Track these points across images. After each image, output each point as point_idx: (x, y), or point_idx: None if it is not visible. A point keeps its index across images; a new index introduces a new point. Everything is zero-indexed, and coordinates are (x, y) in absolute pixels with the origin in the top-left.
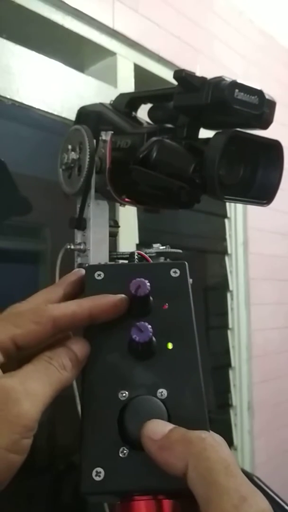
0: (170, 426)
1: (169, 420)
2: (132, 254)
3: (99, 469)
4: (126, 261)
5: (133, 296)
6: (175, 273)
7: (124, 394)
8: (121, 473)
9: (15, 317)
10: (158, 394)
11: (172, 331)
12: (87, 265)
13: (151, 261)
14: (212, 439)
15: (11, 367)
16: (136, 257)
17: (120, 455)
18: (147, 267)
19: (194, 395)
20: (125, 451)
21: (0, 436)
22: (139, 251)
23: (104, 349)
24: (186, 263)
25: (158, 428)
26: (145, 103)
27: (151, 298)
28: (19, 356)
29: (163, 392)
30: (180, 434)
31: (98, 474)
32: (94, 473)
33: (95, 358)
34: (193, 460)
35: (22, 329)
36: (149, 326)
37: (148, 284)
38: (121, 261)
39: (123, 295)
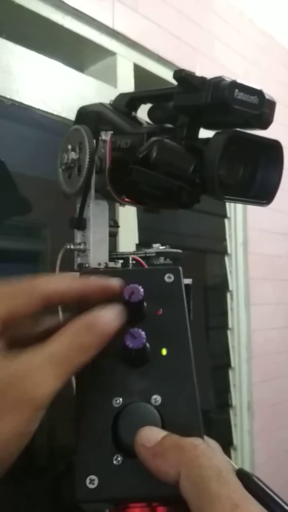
0: (163, 433)
1: (163, 426)
2: (126, 259)
3: (93, 476)
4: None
5: (126, 302)
6: (169, 278)
7: (118, 401)
8: (115, 481)
9: (12, 290)
10: (152, 401)
11: (166, 337)
12: (87, 265)
13: (146, 266)
14: (205, 446)
15: None
16: (131, 262)
17: (114, 462)
18: (141, 272)
19: (188, 402)
20: (119, 459)
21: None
22: (134, 256)
23: (98, 355)
24: (180, 268)
25: (151, 435)
26: (145, 103)
27: (145, 304)
28: (12, 330)
29: (157, 399)
30: (173, 441)
31: (92, 481)
32: (88, 480)
33: (88, 366)
34: (186, 468)
35: (17, 302)
36: (143, 333)
37: (142, 290)
38: (120, 261)
39: (115, 279)
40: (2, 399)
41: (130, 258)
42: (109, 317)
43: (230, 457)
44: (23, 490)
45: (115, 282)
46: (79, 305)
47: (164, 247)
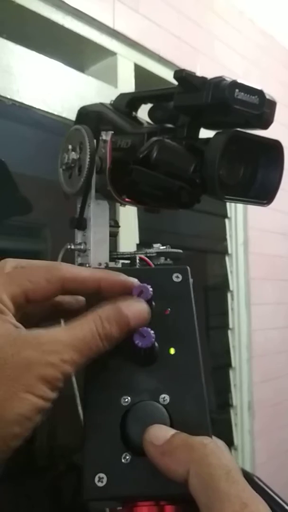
0: (172, 431)
1: (172, 425)
2: (133, 258)
3: (101, 474)
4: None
5: None
6: (177, 277)
7: (126, 400)
8: (123, 479)
9: (31, 272)
10: (161, 400)
11: (174, 336)
12: (87, 265)
13: (153, 265)
14: (214, 445)
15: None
16: (137, 261)
17: (123, 460)
18: (149, 272)
19: (197, 401)
20: (127, 457)
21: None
22: (141, 256)
23: (107, 354)
24: (188, 268)
25: (160, 433)
26: (145, 103)
27: (153, 303)
28: (26, 309)
29: (165, 398)
30: (182, 439)
31: (101, 479)
32: (96, 478)
33: (97, 364)
34: (195, 466)
35: (34, 285)
36: (152, 332)
37: (151, 289)
38: (121, 261)
39: (135, 279)
40: (21, 376)
41: (137, 258)
42: (139, 311)
43: None
44: (23, 490)
45: (134, 281)
46: (91, 297)
47: (164, 247)
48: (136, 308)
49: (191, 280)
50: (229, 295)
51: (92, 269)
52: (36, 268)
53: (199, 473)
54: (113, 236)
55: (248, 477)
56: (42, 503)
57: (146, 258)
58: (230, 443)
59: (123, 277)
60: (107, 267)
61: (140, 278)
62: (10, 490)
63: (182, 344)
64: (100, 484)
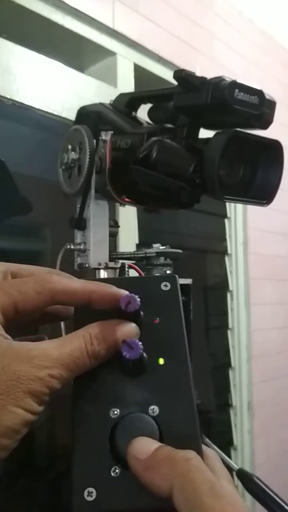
0: (156, 444)
1: (161, 437)
2: (123, 266)
3: (90, 489)
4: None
5: (123, 311)
6: (165, 286)
7: (115, 412)
8: (113, 493)
9: (20, 283)
10: (150, 411)
11: (163, 347)
12: (87, 265)
13: (143, 274)
14: (198, 459)
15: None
16: (126, 269)
17: (112, 474)
18: (137, 281)
19: (186, 412)
20: (117, 470)
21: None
22: (130, 263)
23: (95, 366)
24: (176, 276)
25: (144, 446)
26: (145, 103)
27: (141, 313)
28: (15, 320)
29: (154, 409)
30: (165, 454)
31: (90, 494)
32: (86, 493)
33: (85, 376)
34: (178, 482)
35: (24, 296)
36: (140, 343)
37: (138, 299)
38: (121, 261)
39: (126, 291)
40: (11, 390)
41: (126, 266)
42: (127, 332)
43: (230, 457)
44: (23, 490)
45: (124, 293)
46: (80, 308)
47: (164, 247)
48: (125, 329)
49: (189, 281)
50: (228, 295)
51: (83, 281)
52: (26, 279)
53: (182, 488)
54: (113, 236)
55: (248, 477)
56: (42, 503)
57: (136, 266)
58: (229, 443)
59: (113, 289)
60: (106, 267)
61: (129, 288)
62: (11, 490)
63: (171, 354)
64: (89, 499)
